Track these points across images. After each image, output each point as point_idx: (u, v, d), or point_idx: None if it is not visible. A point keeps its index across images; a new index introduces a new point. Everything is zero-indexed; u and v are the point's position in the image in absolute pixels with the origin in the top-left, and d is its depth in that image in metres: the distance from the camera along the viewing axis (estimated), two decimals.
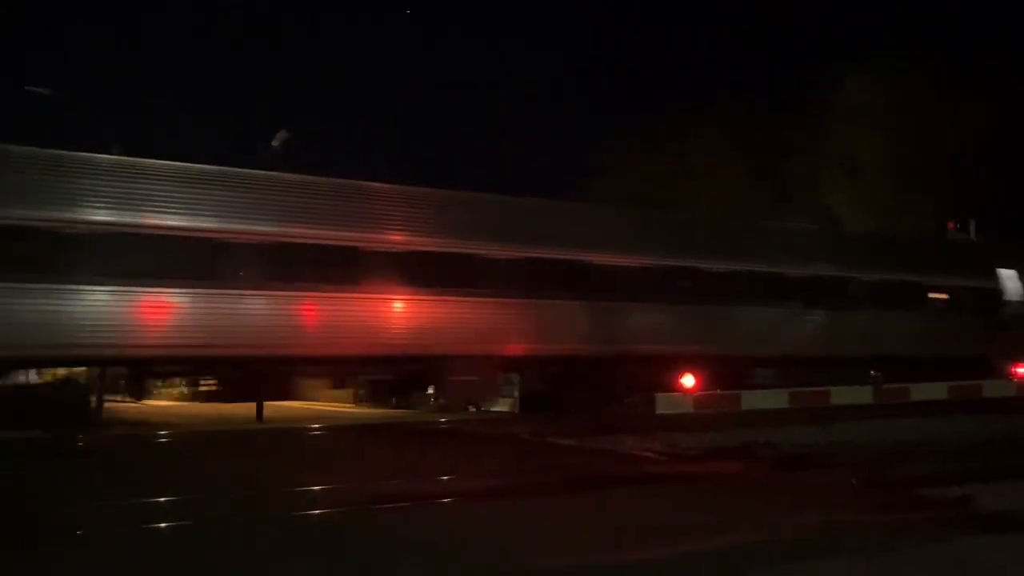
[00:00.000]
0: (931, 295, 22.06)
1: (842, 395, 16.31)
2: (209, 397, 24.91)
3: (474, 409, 21.45)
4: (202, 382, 25.34)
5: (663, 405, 14.58)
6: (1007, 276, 22.69)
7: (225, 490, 9.62)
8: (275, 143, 17.10)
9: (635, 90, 65.78)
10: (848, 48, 59.60)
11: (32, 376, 18.83)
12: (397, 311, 16.89)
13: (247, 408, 19.10)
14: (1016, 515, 8.89)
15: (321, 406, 23.22)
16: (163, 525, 7.89)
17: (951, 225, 26.03)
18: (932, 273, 22.16)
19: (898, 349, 19.17)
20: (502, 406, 21.12)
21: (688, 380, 14.98)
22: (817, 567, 6.61)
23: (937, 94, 36.40)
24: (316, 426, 16.64)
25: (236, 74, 68.41)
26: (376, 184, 18.09)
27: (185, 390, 27.22)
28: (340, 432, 15.82)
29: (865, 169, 38.00)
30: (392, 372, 19.36)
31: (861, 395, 16.59)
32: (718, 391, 15.20)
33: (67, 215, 14.53)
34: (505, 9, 70.10)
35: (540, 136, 68.77)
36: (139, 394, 23.49)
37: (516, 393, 20.43)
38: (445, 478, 10.64)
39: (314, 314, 16.09)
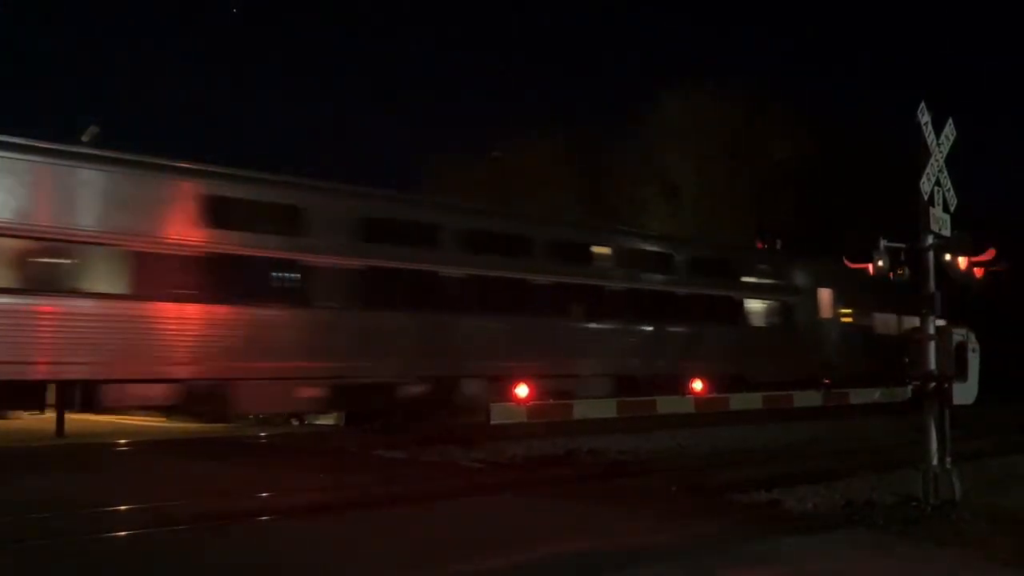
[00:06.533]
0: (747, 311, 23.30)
1: (666, 405, 17.08)
2: None
3: (297, 423, 20.67)
4: None
5: (497, 415, 14.66)
6: (823, 293, 24.33)
7: (17, 511, 8.72)
8: (85, 139, 15.88)
9: (476, 107, 67.09)
10: (669, 75, 62.96)
11: None
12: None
13: (45, 422, 17.46)
14: (820, 516, 9.53)
15: (129, 419, 21.55)
16: None
17: (759, 244, 27.72)
18: (746, 289, 23.38)
19: (715, 365, 19.89)
20: (327, 419, 20.44)
21: (521, 390, 15.13)
22: (638, 574, 6.76)
23: (744, 123, 39.07)
24: (123, 442, 15.51)
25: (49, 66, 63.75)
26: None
27: None
28: (150, 448, 14.81)
29: (682, 190, 40.10)
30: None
31: (684, 404, 17.43)
32: (551, 401, 15.47)
33: None
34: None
35: (378, 139, 68.64)
36: None
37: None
38: (266, 495, 10.17)
39: None
